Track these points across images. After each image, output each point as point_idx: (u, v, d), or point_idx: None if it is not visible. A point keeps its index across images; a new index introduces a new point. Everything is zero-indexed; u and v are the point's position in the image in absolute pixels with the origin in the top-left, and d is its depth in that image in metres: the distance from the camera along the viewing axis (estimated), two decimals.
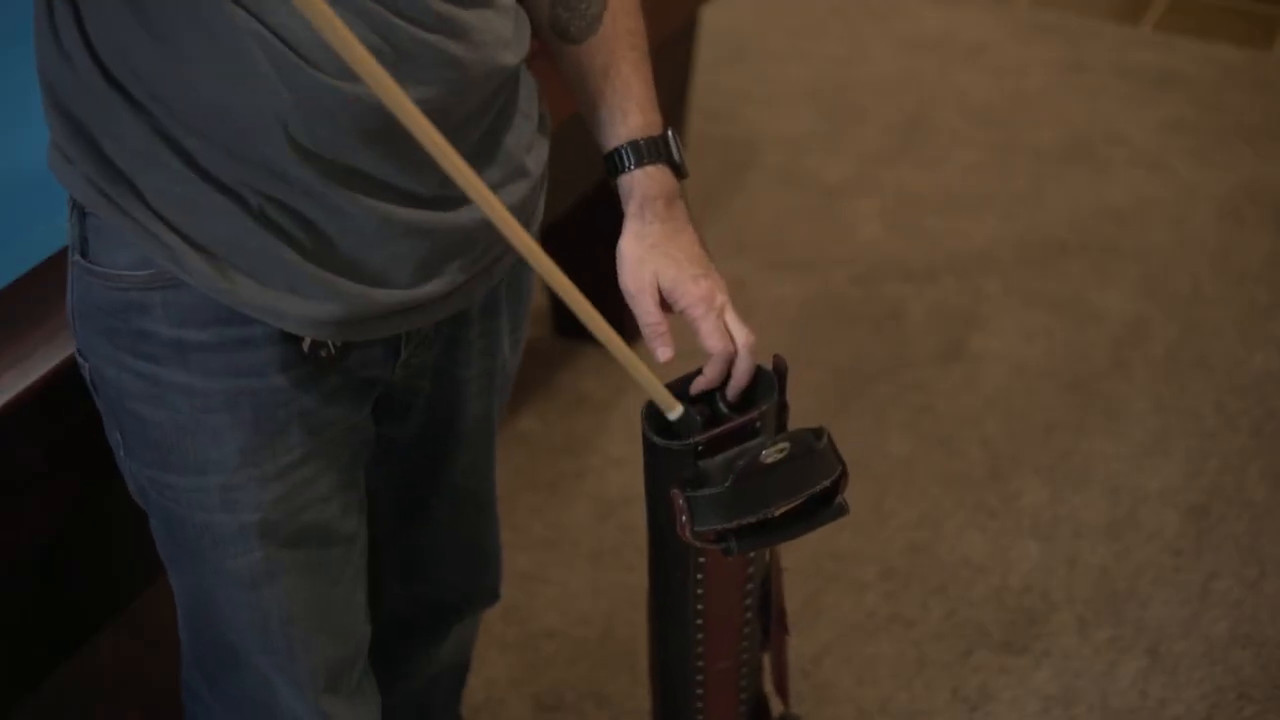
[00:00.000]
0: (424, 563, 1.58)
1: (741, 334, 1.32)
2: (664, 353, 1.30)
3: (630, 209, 1.33)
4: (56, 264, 1.38)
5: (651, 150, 1.32)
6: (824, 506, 1.32)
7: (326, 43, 0.98)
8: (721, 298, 1.32)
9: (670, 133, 1.34)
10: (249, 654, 1.34)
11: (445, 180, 1.11)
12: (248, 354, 1.20)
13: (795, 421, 1.36)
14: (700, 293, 1.31)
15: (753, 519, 1.28)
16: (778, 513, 1.30)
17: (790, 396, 1.36)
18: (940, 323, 2.80)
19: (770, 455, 1.26)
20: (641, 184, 1.32)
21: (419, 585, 1.60)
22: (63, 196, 1.23)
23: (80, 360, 1.28)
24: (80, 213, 1.21)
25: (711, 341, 1.31)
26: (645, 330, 1.32)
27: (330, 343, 1.21)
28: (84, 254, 1.22)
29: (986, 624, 2.20)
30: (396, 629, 1.60)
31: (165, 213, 1.15)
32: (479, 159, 1.23)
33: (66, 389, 1.30)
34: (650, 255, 1.32)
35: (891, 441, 2.51)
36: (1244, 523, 2.37)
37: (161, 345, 1.20)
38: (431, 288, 1.23)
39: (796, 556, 2.30)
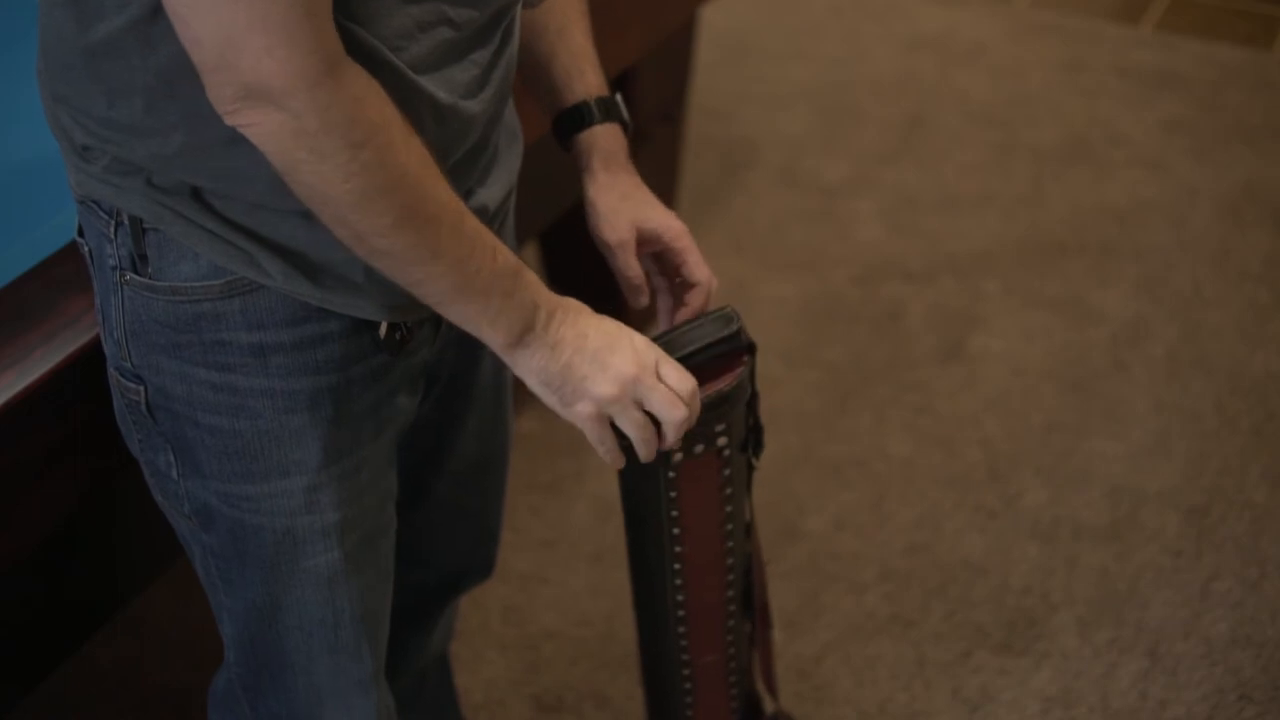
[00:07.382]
0: (425, 545, 1.57)
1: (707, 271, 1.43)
2: (643, 300, 1.40)
3: (594, 163, 1.38)
4: (56, 263, 1.38)
5: (608, 108, 1.39)
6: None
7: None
8: None
9: (618, 94, 1.41)
10: (311, 662, 1.33)
11: (490, 165, 1.20)
12: (325, 349, 1.20)
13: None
14: (681, 227, 1.40)
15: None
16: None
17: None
18: (940, 323, 2.80)
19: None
20: (604, 139, 1.38)
21: (421, 569, 1.60)
22: (60, 195, 1.22)
23: (130, 385, 1.24)
24: (134, 229, 1.16)
25: (700, 271, 1.41)
26: (628, 283, 1.39)
27: (404, 324, 1.23)
28: (140, 271, 1.17)
29: (986, 625, 2.20)
30: (395, 619, 1.60)
31: (239, 220, 1.14)
32: (496, 123, 1.26)
33: (66, 389, 1.30)
34: (623, 205, 1.38)
35: (891, 442, 2.51)
36: (1244, 523, 2.37)
37: (240, 352, 1.18)
38: None
39: (796, 557, 2.30)
